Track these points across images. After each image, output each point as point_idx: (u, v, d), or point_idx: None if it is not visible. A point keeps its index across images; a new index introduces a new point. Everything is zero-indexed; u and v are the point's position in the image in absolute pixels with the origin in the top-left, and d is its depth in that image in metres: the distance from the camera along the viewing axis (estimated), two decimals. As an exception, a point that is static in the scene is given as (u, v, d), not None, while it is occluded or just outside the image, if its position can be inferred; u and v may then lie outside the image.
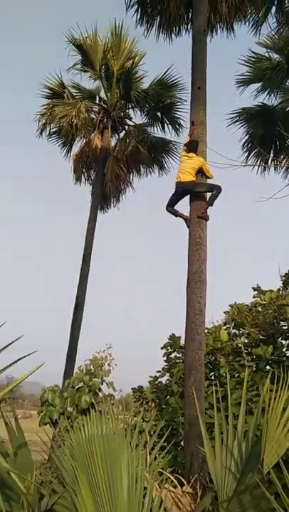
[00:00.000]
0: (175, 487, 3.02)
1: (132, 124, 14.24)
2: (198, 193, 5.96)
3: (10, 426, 2.74)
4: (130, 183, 14.25)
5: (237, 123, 12.59)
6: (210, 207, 5.86)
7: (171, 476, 3.03)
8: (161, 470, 3.07)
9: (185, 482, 3.10)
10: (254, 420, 2.88)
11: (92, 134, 13.83)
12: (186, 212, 6.08)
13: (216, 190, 5.92)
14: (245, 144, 12.77)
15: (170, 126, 13.65)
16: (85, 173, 14.35)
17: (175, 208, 6.21)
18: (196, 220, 5.78)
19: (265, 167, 12.93)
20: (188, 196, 6.10)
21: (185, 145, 6.22)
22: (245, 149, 12.80)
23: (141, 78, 13.59)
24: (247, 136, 12.69)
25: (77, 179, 14.23)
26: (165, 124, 13.69)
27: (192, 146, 6.09)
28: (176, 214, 6.17)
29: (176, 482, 3.07)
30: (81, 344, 11.44)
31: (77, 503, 2.43)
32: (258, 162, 12.83)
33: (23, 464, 2.58)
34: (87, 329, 12.02)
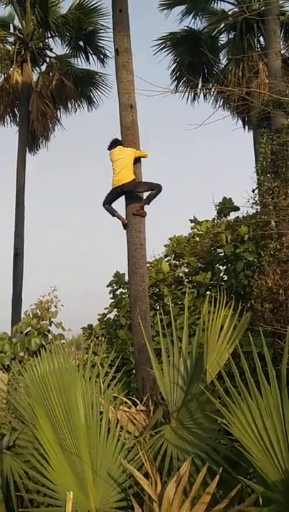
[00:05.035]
0: (130, 408, 3.24)
1: (53, 55, 13.25)
2: (137, 193, 5.58)
3: None
4: (58, 121, 13.53)
5: (164, 50, 12.15)
6: (146, 205, 5.52)
7: (125, 399, 3.24)
8: (115, 395, 3.26)
9: (138, 402, 3.32)
10: (196, 339, 3.11)
11: (11, 69, 12.73)
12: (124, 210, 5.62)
13: (157, 188, 5.54)
14: (174, 72, 12.46)
15: (94, 57, 12.90)
16: (10, 113, 13.37)
17: (112, 206, 5.70)
18: (132, 216, 5.45)
19: (194, 94, 12.75)
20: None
21: (108, 148, 5.76)
22: (173, 78, 12.52)
23: (58, 2, 12.46)
24: (175, 64, 12.35)
25: (0, 119, 13.25)
26: (89, 54, 12.88)
27: (114, 144, 5.70)
28: (113, 214, 5.67)
29: (130, 403, 3.29)
30: (26, 290, 11.34)
31: (38, 434, 2.56)
32: (188, 90, 12.61)
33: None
34: (30, 274, 11.86)
